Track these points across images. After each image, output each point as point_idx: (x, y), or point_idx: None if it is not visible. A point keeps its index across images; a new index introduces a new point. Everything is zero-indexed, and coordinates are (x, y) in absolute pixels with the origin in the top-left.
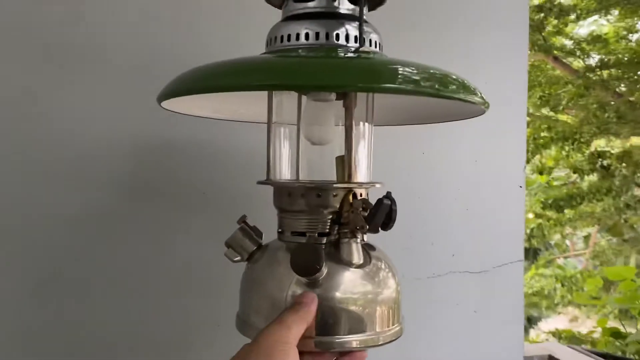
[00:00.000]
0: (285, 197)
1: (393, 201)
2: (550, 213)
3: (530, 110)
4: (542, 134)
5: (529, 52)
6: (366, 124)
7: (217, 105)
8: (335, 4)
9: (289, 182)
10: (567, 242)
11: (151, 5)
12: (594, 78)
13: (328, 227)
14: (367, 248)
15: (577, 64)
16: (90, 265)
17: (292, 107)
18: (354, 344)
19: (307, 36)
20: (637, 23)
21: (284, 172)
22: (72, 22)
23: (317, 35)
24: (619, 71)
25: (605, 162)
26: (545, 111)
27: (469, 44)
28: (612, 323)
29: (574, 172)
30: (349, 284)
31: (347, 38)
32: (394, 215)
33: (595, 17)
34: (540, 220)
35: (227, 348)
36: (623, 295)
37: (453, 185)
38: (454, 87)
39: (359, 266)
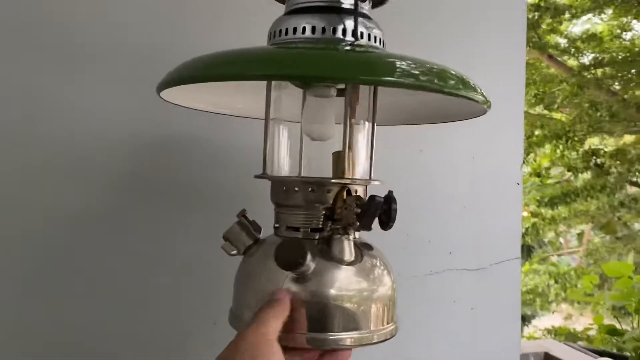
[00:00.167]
0: (281, 191)
1: (394, 200)
2: (545, 211)
3: (525, 109)
4: (536, 132)
5: None
6: (362, 121)
7: (216, 99)
8: None
9: (284, 177)
10: (561, 239)
11: (150, 3)
12: (589, 76)
13: (321, 222)
14: (362, 246)
15: (572, 62)
16: (89, 265)
17: (291, 103)
18: (348, 342)
19: (309, 30)
20: (631, 22)
21: (281, 166)
22: (70, 21)
23: (318, 29)
24: (613, 70)
25: (599, 161)
26: (539, 109)
27: (466, 41)
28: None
29: (568, 170)
30: (342, 281)
31: (349, 33)
32: (393, 214)
33: (590, 15)
34: (535, 220)
35: (224, 346)
36: (619, 293)
37: (450, 183)
38: (457, 84)
39: (350, 263)
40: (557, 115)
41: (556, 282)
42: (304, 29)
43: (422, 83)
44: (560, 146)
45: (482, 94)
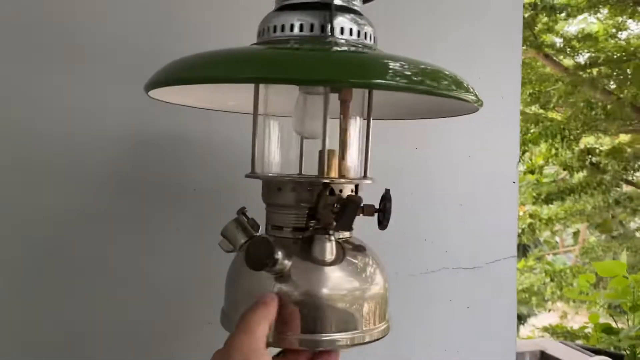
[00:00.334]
0: (267, 190)
1: (388, 199)
2: (541, 210)
3: (520, 108)
4: (531, 129)
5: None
6: (358, 118)
7: (207, 96)
8: None
9: (270, 175)
10: (557, 238)
11: (150, 3)
12: (584, 75)
13: (304, 222)
14: (354, 247)
15: (568, 61)
16: (89, 264)
17: (281, 99)
18: (339, 342)
19: (298, 27)
20: (626, 21)
21: (270, 165)
22: (70, 21)
23: (308, 26)
24: (609, 69)
25: (594, 159)
26: (535, 108)
27: (462, 39)
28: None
29: (564, 169)
30: (333, 281)
31: (337, 30)
32: (387, 214)
33: (585, 15)
34: (531, 220)
35: (218, 347)
36: (614, 291)
37: (446, 181)
38: (449, 85)
39: (331, 263)
40: (552, 115)
41: (552, 280)
42: (291, 26)
43: (414, 85)
44: (556, 145)
45: (475, 94)
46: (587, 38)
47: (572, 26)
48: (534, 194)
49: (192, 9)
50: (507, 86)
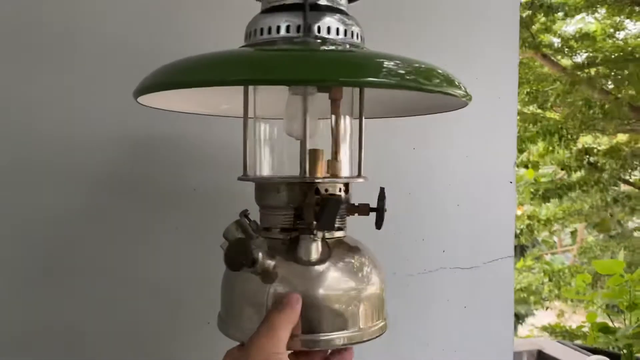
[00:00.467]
0: (258, 192)
1: (383, 199)
2: (539, 210)
3: (518, 107)
4: (529, 128)
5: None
6: (347, 117)
7: (201, 99)
8: None
9: (259, 177)
10: (555, 238)
11: (150, 3)
12: (582, 75)
13: (291, 223)
14: (341, 245)
15: (565, 61)
16: (88, 264)
17: (272, 101)
18: (338, 342)
19: (285, 29)
20: (624, 21)
21: (262, 167)
22: (70, 21)
23: (295, 27)
24: (607, 69)
25: (592, 159)
26: (532, 108)
27: (460, 40)
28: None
29: (562, 169)
30: (320, 281)
31: (324, 30)
32: (382, 213)
33: (583, 14)
34: (529, 221)
35: (216, 347)
36: (611, 290)
37: (444, 181)
38: (437, 80)
39: (316, 263)
40: (550, 114)
41: (550, 279)
42: (278, 28)
43: (403, 82)
44: (554, 144)
45: (464, 89)
46: (584, 38)
47: (570, 26)
48: (532, 190)
49: (192, 9)
50: (505, 86)
